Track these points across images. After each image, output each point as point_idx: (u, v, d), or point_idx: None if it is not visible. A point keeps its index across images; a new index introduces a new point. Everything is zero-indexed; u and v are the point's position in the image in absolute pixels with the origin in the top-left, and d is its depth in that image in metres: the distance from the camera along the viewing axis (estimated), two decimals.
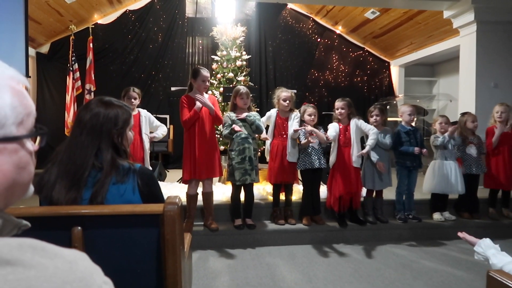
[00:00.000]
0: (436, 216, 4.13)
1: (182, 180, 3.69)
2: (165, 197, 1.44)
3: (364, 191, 4.07)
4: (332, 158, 3.86)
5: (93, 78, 6.64)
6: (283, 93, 3.84)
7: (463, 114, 4.35)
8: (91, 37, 6.72)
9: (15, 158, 0.54)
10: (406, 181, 4.06)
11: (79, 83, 6.61)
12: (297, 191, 4.21)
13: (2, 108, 0.52)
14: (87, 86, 6.57)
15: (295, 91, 4.26)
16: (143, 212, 1.35)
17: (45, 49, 7.13)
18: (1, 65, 0.56)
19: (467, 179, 4.13)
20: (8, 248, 0.45)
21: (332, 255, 3.47)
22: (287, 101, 3.81)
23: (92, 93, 6.54)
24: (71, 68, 6.52)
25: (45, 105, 7.02)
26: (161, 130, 3.99)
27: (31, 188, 0.62)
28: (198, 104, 3.46)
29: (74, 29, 6.63)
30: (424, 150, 3.92)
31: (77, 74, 6.59)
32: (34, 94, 6.92)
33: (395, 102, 7.61)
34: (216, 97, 5.21)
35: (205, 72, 3.55)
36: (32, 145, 0.59)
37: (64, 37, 7.03)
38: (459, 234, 1.73)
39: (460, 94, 5.78)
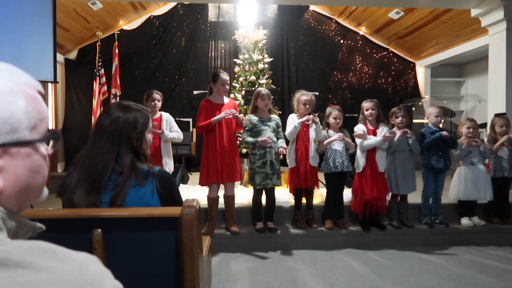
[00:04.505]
0: (464, 221, 3.99)
1: (200, 184, 3.69)
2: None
3: (389, 196, 3.97)
4: (362, 161, 3.78)
5: (119, 83, 6.79)
6: (303, 97, 3.78)
7: (496, 115, 4.16)
8: (116, 42, 6.88)
9: (28, 162, 0.56)
10: (433, 184, 3.94)
11: (105, 88, 6.78)
12: (319, 194, 4.16)
13: (15, 113, 0.53)
14: (113, 91, 6.73)
15: (316, 93, 4.22)
16: (161, 215, 1.35)
17: (73, 55, 7.35)
18: (16, 71, 0.58)
19: (498, 182, 3.97)
20: (19, 250, 0.46)
21: (354, 260, 3.41)
22: (307, 105, 3.77)
23: (118, 98, 6.68)
24: (98, 73, 6.70)
25: (73, 109, 7.23)
26: (174, 134, 3.76)
27: (45, 191, 0.63)
28: (218, 116, 3.45)
29: (100, 36, 6.81)
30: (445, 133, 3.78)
31: (103, 79, 6.76)
32: (62, 99, 7.15)
33: (421, 103, 7.43)
34: (238, 100, 5.24)
35: (224, 76, 3.56)
36: (46, 149, 0.60)
37: (91, 43, 7.23)
38: None
39: (489, 95, 5.57)
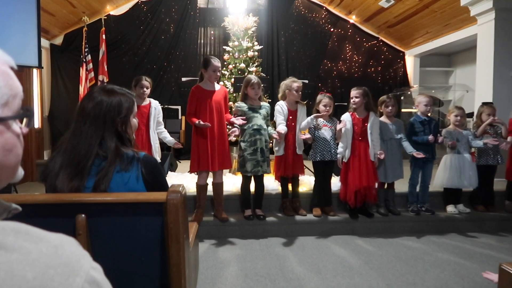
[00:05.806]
0: (450, 208, 4.05)
1: (190, 172, 3.67)
2: None
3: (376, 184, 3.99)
4: (347, 152, 3.76)
5: (106, 70, 6.67)
6: (295, 84, 3.75)
7: (484, 104, 4.19)
8: (103, 28, 6.74)
9: (0, 140, 0.53)
10: (420, 172, 3.98)
11: (92, 74, 6.65)
12: (308, 182, 4.17)
13: None
14: (100, 77, 6.61)
15: (306, 81, 4.20)
16: (146, 200, 1.33)
17: (59, 40, 7.19)
18: None
19: (483, 171, 4.03)
20: None
21: (342, 247, 3.44)
22: (300, 92, 3.75)
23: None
24: (84, 60, 6.57)
25: (59, 96, 7.10)
26: (168, 136, 3.87)
27: (21, 171, 0.61)
28: (204, 124, 3.41)
29: (87, 21, 6.66)
30: (441, 138, 3.83)
31: (90, 65, 6.63)
32: (48, 85, 7.01)
33: (409, 93, 7.47)
34: (228, 88, 5.20)
35: (215, 62, 3.51)
36: (19, 127, 0.58)
37: (77, 28, 7.07)
38: (484, 275, 1.50)
39: (477, 84, 5.62)
